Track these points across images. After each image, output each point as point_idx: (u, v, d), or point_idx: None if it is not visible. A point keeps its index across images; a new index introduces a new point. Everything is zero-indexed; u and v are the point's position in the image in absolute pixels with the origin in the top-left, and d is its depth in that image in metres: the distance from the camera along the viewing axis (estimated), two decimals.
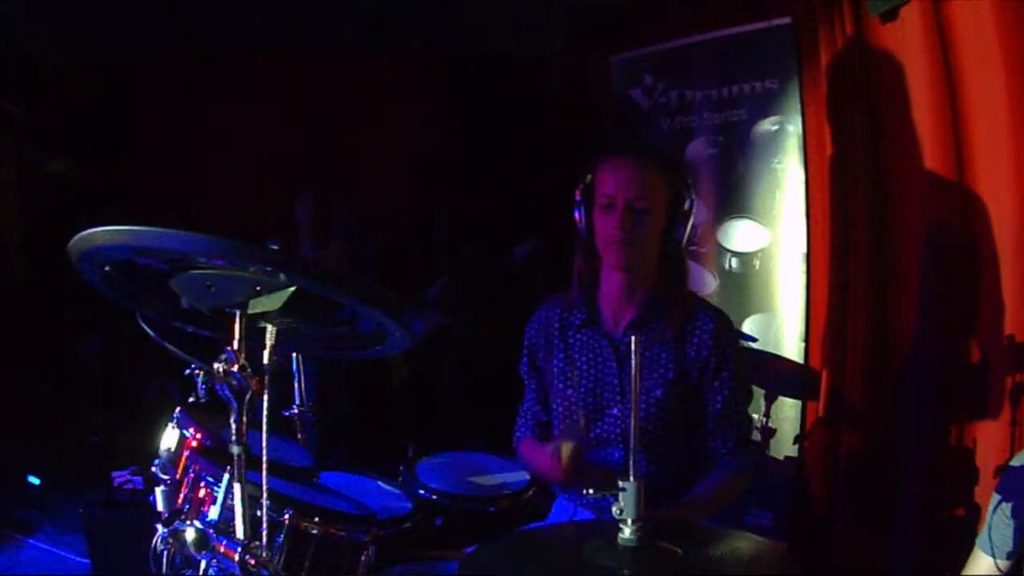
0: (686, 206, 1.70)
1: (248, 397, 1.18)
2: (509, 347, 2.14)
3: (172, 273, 1.20)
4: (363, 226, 5.07)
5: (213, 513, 1.29)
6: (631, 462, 1.20)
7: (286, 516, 1.55)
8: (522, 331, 1.93)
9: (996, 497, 1.68)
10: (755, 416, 2.87)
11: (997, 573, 1.63)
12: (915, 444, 2.53)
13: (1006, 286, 2.31)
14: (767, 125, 3.13)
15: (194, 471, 1.67)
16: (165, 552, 1.62)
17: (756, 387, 2.83)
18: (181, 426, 2.21)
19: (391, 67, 5.75)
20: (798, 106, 3.02)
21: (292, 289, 1.17)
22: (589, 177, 1.74)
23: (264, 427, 1.23)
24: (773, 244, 3.15)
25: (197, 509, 1.59)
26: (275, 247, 4.29)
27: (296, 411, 2.52)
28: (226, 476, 1.28)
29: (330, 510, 1.68)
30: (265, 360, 1.25)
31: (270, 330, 1.27)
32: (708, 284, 3.29)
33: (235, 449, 1.21)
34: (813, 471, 2.92)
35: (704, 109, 3.36)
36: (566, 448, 1.59)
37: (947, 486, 2.44)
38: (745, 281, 3.23)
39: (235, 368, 1.17)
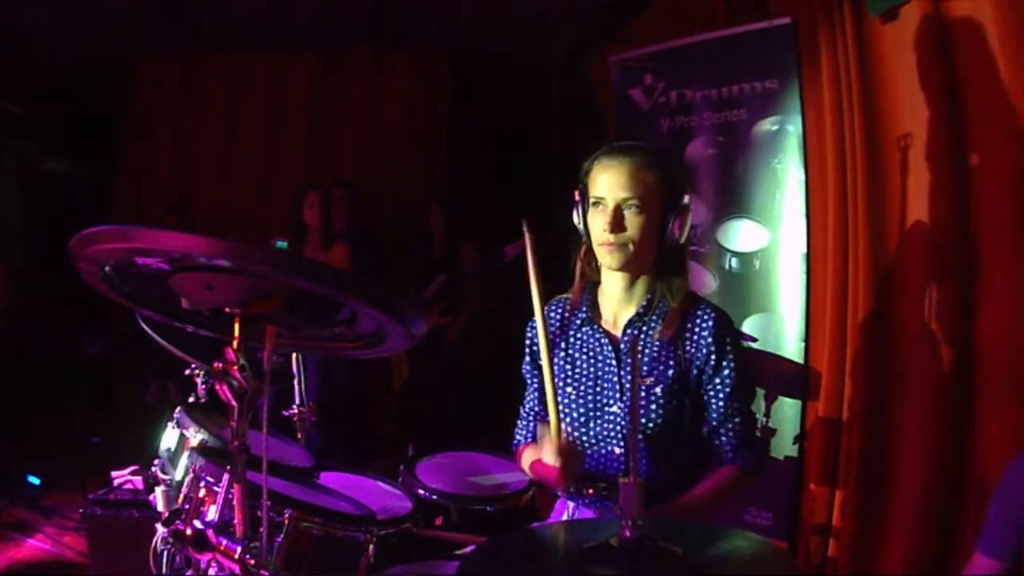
0: (683, 202, 1.70)
1: (248, 397, 1.18)
2: (506, 346, 2.14)
3: (172, 273, 1.20)
4: (364, 227, 5.08)
5: (213, 513, 1.29)
6: (631, 461, 1.19)
7: (286, 516, 1.55)
8: (516, 329, 1.93)
9: (996, 497, 1.69)
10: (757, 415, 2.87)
11: (997, 573, 1.63)
12: (915, 444, 2.53)
13: (1006, 286, 2.30)
14: (767, 125, 3.13)
15: (194, 471, 1.67)
16: (165, 552, 1.63)
17: (756, 387, 2.83)
18: (181, 426, 2.21)
19: (391, 67, 5.76)
20: (798, 106, 3.02)
21: (292, 289, 1.17)
22: (584, 178, 1.75)
23: (264, 427, 1.23)
24: (773, 244, 3.14)
25: (197, 509, 1.59)
26: (283, 244, 4.29)
27: (296, 411, 2.53)
28: (226, 476, 1.28)
29: (330, 510, 1.68)
30: (265, 360, 1.25)
31: (270, 330, 1.27)
32: (708, 284, 3.28)
33: (235, 449, 1.21)
34: (813, 471, 2.92)
35: (704, 109, 3.36)
36: (563, 457, 1.59)
37: (947, 486, 2.43)
38: (745, 281, 3.22)
39: (235, 368, 1.17)
